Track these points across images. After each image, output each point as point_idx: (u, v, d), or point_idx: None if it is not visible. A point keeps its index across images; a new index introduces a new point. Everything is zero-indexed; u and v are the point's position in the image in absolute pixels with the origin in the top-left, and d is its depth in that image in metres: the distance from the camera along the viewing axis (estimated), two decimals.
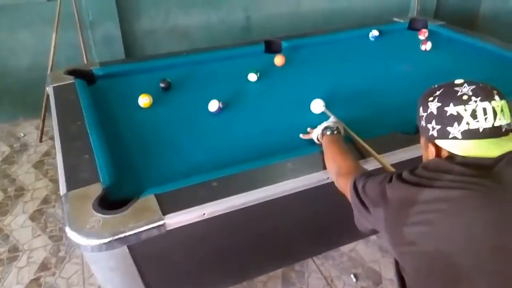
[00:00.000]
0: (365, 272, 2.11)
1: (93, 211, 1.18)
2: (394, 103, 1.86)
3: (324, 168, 1.37)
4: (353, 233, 1.46)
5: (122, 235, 1.12)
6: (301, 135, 1.61)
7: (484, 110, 0.88)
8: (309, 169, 1.39)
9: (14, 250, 2.25)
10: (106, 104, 1.91)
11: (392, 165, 1.35)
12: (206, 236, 1.35)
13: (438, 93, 0.95)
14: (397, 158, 1.44)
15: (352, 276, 2.08)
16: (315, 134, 1.53)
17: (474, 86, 0.91)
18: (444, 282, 0.85)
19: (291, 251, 1.75)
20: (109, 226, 1.13)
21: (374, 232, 1.03)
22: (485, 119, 0.87)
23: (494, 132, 0.88)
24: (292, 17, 4.06)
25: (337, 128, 1.47)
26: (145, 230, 1.14)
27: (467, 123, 0.88)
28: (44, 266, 2.17)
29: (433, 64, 2.32)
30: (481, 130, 0.88)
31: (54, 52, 2.94)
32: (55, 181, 2.75)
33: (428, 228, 0.84)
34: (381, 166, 1.37)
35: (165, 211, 1.18)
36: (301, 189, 1.35)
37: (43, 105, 3.10)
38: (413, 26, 2.88)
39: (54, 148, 1.54)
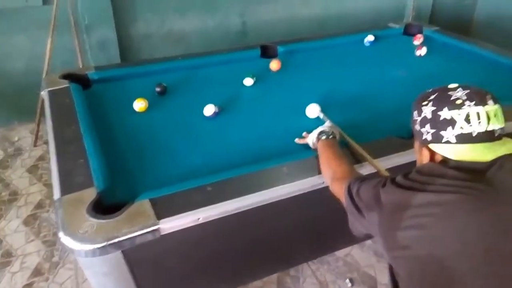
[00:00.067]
0: (360, 276, 2.11)
1: (87, 216, 1.17)
2: (389, 108, 1.87)
3: (319, 172, 1.37)
4: (348, 238, 1.46)
5: (116, 240, 1.11)
6: (296, 140, 1.61)
7: (478, 114, 0.88)
8: (304, 173, 1.39)
9: (7, 255, 2.23)
10: (101, 108, 1.91)
11: (387, 169, 1.36)
12: (200, 241, 1.35)
13: (432, 97, 0.95)
14: (392, 162, 1.44)
15: (347, 281, 2.08)
16: (310, 138, 1.53)
17: (468, 91, 0.92)
18: (438, 286, 0.85)
19: (286, 256, 1.75)
20: (103, 231, 1.13)
21: (369, 236, 1.03)
22: (479, 123, 0.88)
23: (488, 137, 0.89)
24: (288, 22, 4.07)
25: (333, 132, 1.47)
26: (139, 235, 1.14)
27: (461, 127, 0.89)
28: (37, 272, 2.15)
29: (428, 69, 2.33)
30: (474, 134, 0.88)
31: (49, 56, 2.93)
32: (49, 185, 2.73)
33: (421, 232, 0.84)
34: (376, 170, 1.37)
35: (159, 216, 1.18)
36: (296, 193, 1.35)
37: (38, 110, 3.08)
38: (408, 32, 2.90)
39: (49, 152, 1.53)
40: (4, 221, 2.46)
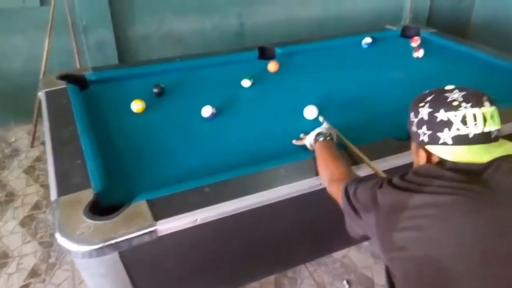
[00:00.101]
0: (357, 278, 2.11)
1: (84, 217, 1.17)
2: (387, 109, 1.87)
3: (317, 174, 1.37)
4: (345, 239, 1.46)
5: (113, 241, 1.11)
6: (294, 141, 1.61)
7: (474, 116, 0.89)
8: (301, 175, 1.39)
9: (4, 257, 2.22)
10: (99, 109, 1.90)
11: (384, 171, 1.36)
12: (198, 242, 1.34)
13: (429, 99, 0.96)
14: (390, 164, 1.44)
15: (344, 282, 2.08)
16: (308, 140, 1.53)
17: (464, 92, 0.92)
18: None
19: (283, 258, 1.75)
20: (100, 232, 1.12)
21: (366, 238, 1.03)
22: (475, 125, 0.88)
23: (484, 138, 0.89)
24: (286, 24, 4.08)
25: (330, 134, 1.47)
26: (136, 236, 1.14)
27: (457, 129, 0.89)
28: (34, 273, 2.14)
29: (425, 71, 2.34)
30: (471, 136, 0.89)
31: (46, 57, 2.92)
32: (46, 186, 2.72)
33: (418, 233, 0.84)
34: (373, 172, 1.37)
35: (156, 217, 1.17)
36: (294, 195, 1.35)
37: (35, 110, 3.08)
38: (406, 34, 2.91)
39: (46, 153, 1.53)
40: (0, 222, 2.45)
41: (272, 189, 1.32)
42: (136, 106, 1.87)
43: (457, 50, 2.60)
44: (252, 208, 1.29)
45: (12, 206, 2.58)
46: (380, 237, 0.92)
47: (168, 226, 1.18)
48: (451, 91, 0.94)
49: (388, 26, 3.04)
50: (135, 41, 3.64)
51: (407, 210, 0.86)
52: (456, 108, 0.90)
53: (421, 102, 0.97)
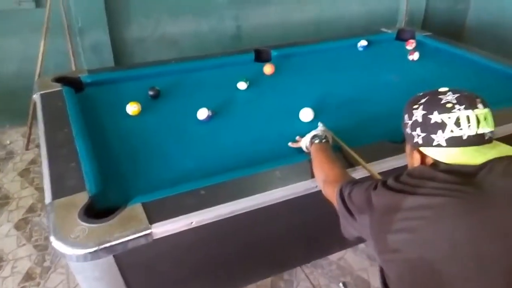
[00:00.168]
0: (353, 280, 2.11)
1: (78, 220, 1.16)
2: (382, 112, 1.87)
3: (313, 176, 1.37)
4: (341, 242, 1.46)
5: (107, 245, 1.11)
6: (289, 144, 1.61)
7: (468, 118, 0.89)
8: (297, 177, 1.39)
9: None
10: (94, 111, 1.90)
11: (380, 173, 1.36)
12: (193, 245, 1.34)
13: (422, 101, 0.96)
14: (385, 166, 1.45)
15: (341, 284, 2.08)
16: (303, 142, 1.53)
17: (458, 95, 0.93)
18: None
19: (279, 260, 1.75)
20: (94, 235, 1.12)
21: (361, 239, 1.03)
22: (469, 127, 0.89)
23: (478, 140, 0.90)
24: (282, 26, 4.09)
25: (326, 136, 1.47)
26: (131, 240, 1.13)
27: (451, 131, 0.90)
28: (28, 276, 2.13)
29: (420, 74, 2.35)
30: (464, 137, 0.89)
31: (42, 59, 2.92)
32: (41, 189, 2.71)
33: (411, 235, 0.84)
34: (369, 174, 1.38)
35: (152, 220, 1.17)
36: (290, 197, 1.35)
37: (30, 113, 3.06)
38: (401, 37, 2.93)
39: (41, 156, 1.52)
40: None
41: (268, 192, 1.32)
42: (132, 108, 1.86)
43: (452, 53, 2.61)
44: (248, 211, 1.29)
45: (7, 209, 2.57)
46: (375, 239, 0.92)
47: (163, 229, 1.17)
48: (445, 93, 0.94)
49: (383, 29, 3.06)
50: (130, 43, 3.64)
51: (401, 211, 0.86)
52: (449, 110, 0.90)
53: (415, 104, 0.98)
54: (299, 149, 1.56)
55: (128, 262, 1.22)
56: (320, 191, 1.27)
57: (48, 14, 2.86)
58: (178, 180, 1.39)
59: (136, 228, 1.14)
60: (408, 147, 1.05)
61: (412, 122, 0.97)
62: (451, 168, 0.89)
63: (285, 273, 2.12)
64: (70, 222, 1.16)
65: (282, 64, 2.45)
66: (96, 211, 1.23)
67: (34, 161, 3.04)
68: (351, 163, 1.45)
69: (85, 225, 1.15)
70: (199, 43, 3.82)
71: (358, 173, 1.39)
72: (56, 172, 1.39)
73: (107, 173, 1.43)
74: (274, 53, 2.55)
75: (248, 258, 1.58)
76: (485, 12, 4.64)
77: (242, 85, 2.13)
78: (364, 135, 1.66)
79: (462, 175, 0.86)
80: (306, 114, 1.80)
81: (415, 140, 0.97)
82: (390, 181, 0.93)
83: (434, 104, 0.93)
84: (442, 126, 0.91)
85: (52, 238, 1.12)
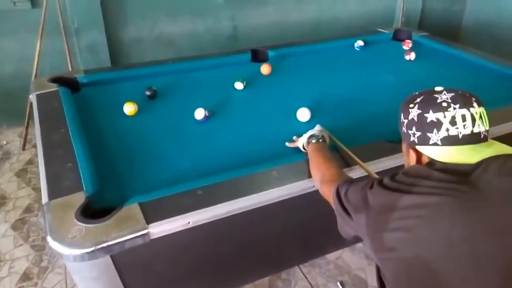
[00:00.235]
0: (351, 279, 2.12)
1: (75, 220, 1.16)
2: (379, 112, 1.88)
3: (310, 176, 1.37)
4: (339, 241, 1.46)
5: (104, 245, 1.10)
6: (287, 143, 1.62)
7: (463, 116, 0.90)
8: (294, 177, 1.39)
9: None
10: (91, 112, 1.90)
11: (377, 173, 1.36)
12: (190, 245, 1.34)
13: (418, 100, 0.97)
14: (382, 166, 1.45)
15: (338, 283, 2.08)
16: (300, 142, 1.53)
17: (453, 94, 0.93)
18: None
19: (277, 259, 1.75)
20: (91, 235, 1.12)
21: (358, 239, 1.03)
22: (464, 125, 0.89)
23: (473, 139, 0.90)
24: (279, 26, 4.09)
25: (323, 136, 1.47)
26: (128, 240, 1.13)
27: (447, 130, 0.90)
28: (26, 276, 2.12)
29: (417, 74, 2.36)
30: (460, 136, 0.90)
31: (38, 60, 2.91)
32: (38, 189, 2.71)
33: (407, 234, 0.84)
34: (366, 174, 1.38)
35: (149, 220, 1.17)
36: (287, 197, 1.35)
37: (27, 113, 3.05)
38: (398, 37, 2.93)
39: (37, 156, 1.52)
40: None
41: (265, 192, 1.32)
42: (129, 108, 1.86)
43: (448, 53, 2.63)
44: (245, 211, 1.28)
45: (4, 209, 2.56)
46: (371, 238, 0.92)
47: (160, 229, 1.17)
48: (440, 92, 0.95)
49: (380, 29, 3.06)
50: (127, 43, 3.63)
51: (396, 210, 0.86)
52: (445, 109, 0.91)
53: (411, 103, 0.98)
54: (296, 149, 1.57)
55: (125, 262, 1.22)
56: (317, 191, 1.27)
57: (44, 15, 2.86)
58: (175, 180, 1.39)
59: (133, 228, 1.14)
60: (404, 146, 1.05)
61: (408, 121, 0.98)
62: (447, 167, 0.89)
63: (283, 272, 2.12)
64: (67, 222, 1.16)
65: (279, 64, 2.45)
66: (93, 211, 1.23)
67: (31, 162, 3.03)
68: (348, 163, 1.45)
69: (82, 225, 1.14)
70: (195, 43, 3.82)
71: (355, 173, 1.40)
72: (52, 172, 1.38)
73: (103, 173, 1.42)
74: (271, 53, 2.55)
75: (245, 258, 1.58)
76: (482, 13, 4.65)
77: (239, 85, 2.14)
78: (361, 135, 1.66)
79: (458, 174, 0.86)
80: (303, 114, 1.80)
81: (411, 139, 0.97)
82: (386, 180, 0.94)
83: (430, 103, 0.94)
84: (437, 125, 0.91)
85: (49, 238, 1.12)
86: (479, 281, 0.80)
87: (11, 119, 3.42)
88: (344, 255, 2.24)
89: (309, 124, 1.73)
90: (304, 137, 1.51)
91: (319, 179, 1.25)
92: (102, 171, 1.43)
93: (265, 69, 2.33)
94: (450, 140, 0.90)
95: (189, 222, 1.21)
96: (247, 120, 1.88)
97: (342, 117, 1.85)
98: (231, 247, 1.48)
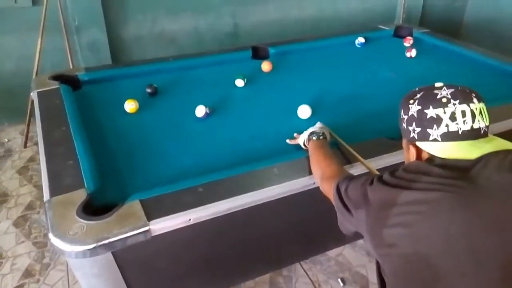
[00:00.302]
0: (352, 276, 2.12)
1: (77, 217, 1.17)
2: (380, 108, 1.88)
3: (310, 173, 1.37)
4: (340, 238, 1.46)
5: (106, 242, 1.11)
6: (287, 141, 1.62)
7: (463, 112, 0.90)
8: (295, 174, 1.39)
9: None
10: (92, 109, 1.90)
11: (378, 170, 1.36)
12: (192, 242, 1.34)
13: (418, 96, 0.97)
14: (383, 163, 1.45)
15: (339, 280, 2.09)
16: (301, 139, 1.54)
17: (453, 89, 0.93)
18: (423, 284, 0.85)
19: (278, 256, 1.75)
20: (93, 232, 1.12)
21: (358, 235, 1.03)
22: (464, 121, 0.89)
23: (473, 134, 0.90)
24: (280, 23, 4.09)
25: (323, 133, 1.48)
26: (129, 236, 1.13)
27: (447, 125, 0.90)
28: (28, 273, 2.13)
29: (418, 71, 2.35)
30: (460, 132, 0.90)
31: (39, 57, 2.91)
32: (39, 187, 2.71)
33: (407, 230, 0.85)
34: (367, 171, 1.38)
35: (150, 217, 1.17)
36: (288, 194, 1.35)
37: (28, 111, 3.06)
38: (399, 34, 2.93)
39: (39, 153, 1.52)
40: None
41: (266, 189, 1.33)
42: (130, 106, 1.87)
43: (449, 49, 2.62)
44: (246, 208, 1.29)
45: (6, 206, 2.57)
46: (371, 234, 0.93)
47: (161, 226, 1.17)
48: (440, 88, 0.95)
49: (381, 26, 3.06)
50: (128, 41, 3.63)
51: (396, 206, 0.87)
52: (445, 105, 0.91)
53: (411, 99, 0.98)
54: (297, 146, 1.57)
55: (126, 258, 1.22)
56: (318, 188, 1.27)
57: (45, 12, 2.86)
58: (176, 177, 1.39)
59: (134, 225, 1.15)
60: (404, 142, 1.05)
61: (408, 117, 0.98)
62: (447, 162, 0.89)
63: (284, 269, 2.12)
64: (68, 219, 1.16)
65: (280, 61, 2.45)
66: (94, 208, 1.23)
67: (33, 159, 3.04)
68: (348, 160, 1.45)
69: (84, 222, 1.15)
70: (196, 40, 3.82)
71: (355, 170, 1.40)
72: (54, 170, 1.39)
73: (105, 171, 1.43)
74: (271, 50, 2.55)
75: (246, 255, 1.59)
76: (483, 9, 4.64)
77: (239, 83, 2.14)
78: (362, 131, 1.66)
79: (458, 170, 0.86)
80: (304, 111, 1.81)
81: (411, 135, 0.98)
82: (386, 176, 0.94)
83: (430, 99, 0.94)
84: (437, 121, 0.91)
85: (50, 235, 1.13)
86: (479, 276, 0.80)
87: (13, 116, 3.43)
88: (345, 252, 2.24)
89: (310, 121, 1.73)
90: (305, 134, 1.52)
91: (320, 176, 1.25)
92: (103, 168, 1.44)
93: (265, 66, 2.33)
94: (450, 136, 0.90)
95: (190, 219, 1.21)
96: (248, 117, 1.88)
97: (343, 114, 1.85)
98: (232, 244, 1.48)
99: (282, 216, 1.49)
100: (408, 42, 2.69)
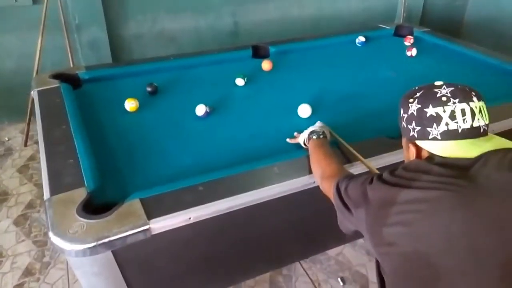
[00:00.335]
0: (352, 275, 2.12)
1: (77, 216, 1.17)
2: (380, 108, 1.88)
3: (310, 172, 1.37)
4: (340, 237, 1.46)
5: (106, 240, 1.11)
6: (287, 140, 1.62)
7: (463, 111, 0.90)
8: (295, 173, 1.39)
9: None
10: (92, 108, 1.90)
11: (378, 169, 1.36)
12: (192, 241, 1.34)
13: (418, 94, 0.97)
14: (383, 162, 1.45)
15: (339, 279, 2.09)
16: (301, 138, 1.54)
17: (452, 88, 0.93)
18: (423, 283, 0.85)
19: (278, 255, 1.75)
20: (93, 231, 1.12)
21: (358, 234, 1.03)
22: (463, 120, 0.89)
23: (473, 133, 0.90)
24: (280, 22, 4.08)
25: (323, 132, 1.48)
26: (129, 235, 1.14)
27: (446, 124, 0.90)
28: (28, 272, 2.13)
29: (418, 70, 2.35)
30: (460, 130, 0.90)
31: (39, 56, 2.91)
32: (39, 185, 2.71)
33: (407, 228, 0.85)
34: (367, 170, 1.38)
35: (150, 216, 1.17)
36: (288, 193, 1.36)
37: (28, 109, 3.06)
38: (399, 33, 2.93)
39: (39, 152, 1.52)
40: None
41: (266, 187, 1.33)
42: (130, 105, 1.87)
43: (450, 49, 2.62)
44: (246, 207, 1.29)
45: (6, 205, 2.57)
46: (370, 232, 0.93)
47: (161, 224, 1.18)
48: (439, 86, 0.95)
49: (381, 25, 3.05)
50: (128, 40, 3.63)
51: (396, 205, 0.87)
52: (445, 103, 0.91)
53: (410, 98, 0.98)
54: (297, 145, 1.57)
55: (126, 257, 1.22)
56: (317, 187, 1.27)
57: (45, 11, 2.86)
58: (176, 176, 1.39)
59: (134, 224, 1.15)
60: (404, 141, 1.05)
61: (408, 116, 0.98)
62: (447, 161, 0.89)
63: (284, 268, 2.12)
64: (68, 218, 1.16)
65: (280, 60, 2.45)
66: (94, 207, 1.23)
67: (33, 158, 3.04)
68: (349, 159, 1.45)
69: (84, 220, 1.15)
70: (197, 39, 3.82)
71: (355, 169, 1.40)
72: (54, 168, 1.39)
73: (105, 169, 1.43)
74: (272, 49, 2.55)
75: (246, 254, 1.59)
76: (483, 8, 4.63)
77: (240, 81, 2.13)
78: (362, 130, 1.66)
79: (458, 168, 0.86)
80: (304, 110, 1.81)
81: (410, 134, 0.98)
82: (386, 175, 0.94)
83: (429, 97, 0.94)
84: (437, 119, 0.91)
85: (50, 234, 1.13)
86: (479, 275, 0.80)
87: (13, 115, 3.43)
88: (345, 251, 2.24)
89: (310, 120, 1.73)
90: (305, 133, 1.52)
91: (320, 175, 1.25)
92: (104, 167, 1.44)
93: (266, 65, 2.33)
94: (449, 135, 0.90)
95: (190, 218, 1.21)
96: (248, 116, 1.88)
97: (343, 113, 1.85)
98: (232, 243, 1.48)
99: (282, 215, 1.49)
100: (408, 41, 2.69)
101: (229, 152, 1.59)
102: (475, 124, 0.90)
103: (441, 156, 0.91)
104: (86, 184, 1.29)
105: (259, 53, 2.54)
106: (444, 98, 0.91)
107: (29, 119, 3.10)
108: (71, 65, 3.09)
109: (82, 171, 1.35)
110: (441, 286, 0.83)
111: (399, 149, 1.40)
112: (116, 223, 1.15)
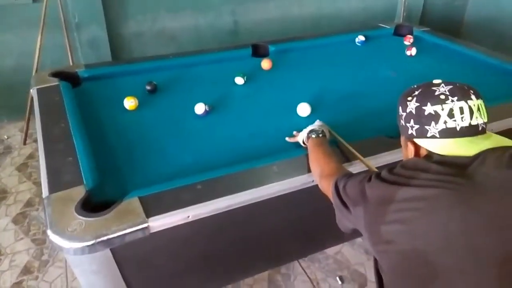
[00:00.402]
0: (350, 274, 2.12)
1: (75, 214, 1.17)
2: (380, 107, 1.88)
3: (310, 171, 1.37)
4: (338, 236, 1.46)
5: (104, 238, 1.11)
6: (287, 138, 1.62)
7: (461, 109, 0.90)
8: (294, 172, 1.39)
9: None
10: (91, 106, 1.90)
11: (377, 168, 1.36)
12: (190, 239, 1.35)
13: (416, 93, 0.97)
14: (382, 161, 1.45)
15: (337, 278, 2.09)
16: (300, 137, 1.54)
17: (451, 86, 0.93)
18: (421, 281, 0.85)
19: (276, 254, 1.75)
20: (91, 229, 1.12)
21: (356, 232, 1.03)
22: (462, 118, 0.89)
23: (471, 131, 0.90)
24: (280, 21, 4.08)
25: (322, 131, 1.48)
26: (128, 233, 1.14)
27: (445, 122, 0.90)
28: (26, 270, 2.13)
29: (418, 69, 2.35)
30: (458, 128, 0.90)
31: (39, 54, 2.91)
32: (38, 184, 2.71)
33: (405, 226, 0.85)
34: (366, 169, 1.38)
35: (149, 214, 1.17)
36: (287, 191, 1.36)
37: (28, 107, 3.06)
38: (399, 32, 2.92)
39: (38, 150, 1.52)
40: None
41: (265, 186, 1.33)
42: (129, 103, 1.86)
43: (449, 48, 2.62)
44: (245, 205, 1.29)
45: (5, 203, 2.57)
46: (368, 231, 0.93)
47: (160, 222, 1.18)
48: (438, 85, 0.95)
49: (381, 25, 3.05)
50: (128, 38, 3.63)
51: (394, 203, 0.87)
52: (443, 101, 0.91)
53: (409, 96, 0.98)
54: (296, 144, 1.57)
55: (125, 255, 1.22)
56: (316, 186, 1.27)
57: (45, 9, 2.85)
58: (175, 175, 1.39)
59: (133, 222, 1.15)
60: (402, 139, 1.05)
61: (406, 114, 0.98)
62: (445, 159, 0.89)
63: (282, 267, 2.13)
64: (67, 216, 1.16)
65: (280, 59, 2.45)
66: (93, 205, 1.23)
67: (32, 156, 3.04)
68: (348, 158, 1.45)
69: (82, 218, 1.15)
70: (196, 38, 3.82)
71: (355, 168, 1.40)
72: (53, 167, 1.39)
73: (104, 167, 1.43)
74: (272, 48, 2.55)
75: (245, 252, 1.59)
76: (483, 8, 4.63)
77: (239, 80, 2.13)
78: (362, 130, 1.66)
79: (456, 167, 0.86)
80: (303, 109, 1.80)
81: (409, 132, 0.98)
82: (384, 173, 0.94)
83: (428, 96, 0.94)
84: (435, 117, 0.91)
85: (49, 232, 1.13)
86: (477, 273, 0.80)
87: (12, 113, 3.43)
88: (343, 250, 2.25)
89: (309, 119, 1.73)
90: (304, 132, 1.52)
91: (319, 174, 1.25)
92: (103, 165, 1.44)
93: (265, 64, 2.33)
94: (448, 133, 0.90)
95: (188, 216, 1.21)
96: (248, 115, 1.88)
97: (343, 112, 1.85)
98: (231, 241, 1.48)
99: (281, 213, 1.49)
100: (408, 40, 2.69)
101: (228, 151, 1.59)
102: (474, 122, 0.90)
103: (439, 154, 0.91)
104: (85, 182, 1.29)
105: (258, 52, 2.54)
106: (442, 96, 0.91)
107: (29, 117, 3.10)
108: (71, 64, 3.09)
109: (81, 169, 1.35)
110: (439, 284, 0.83)
111: (398, 148, 1.40)
112: (115, 221, 1.15)
